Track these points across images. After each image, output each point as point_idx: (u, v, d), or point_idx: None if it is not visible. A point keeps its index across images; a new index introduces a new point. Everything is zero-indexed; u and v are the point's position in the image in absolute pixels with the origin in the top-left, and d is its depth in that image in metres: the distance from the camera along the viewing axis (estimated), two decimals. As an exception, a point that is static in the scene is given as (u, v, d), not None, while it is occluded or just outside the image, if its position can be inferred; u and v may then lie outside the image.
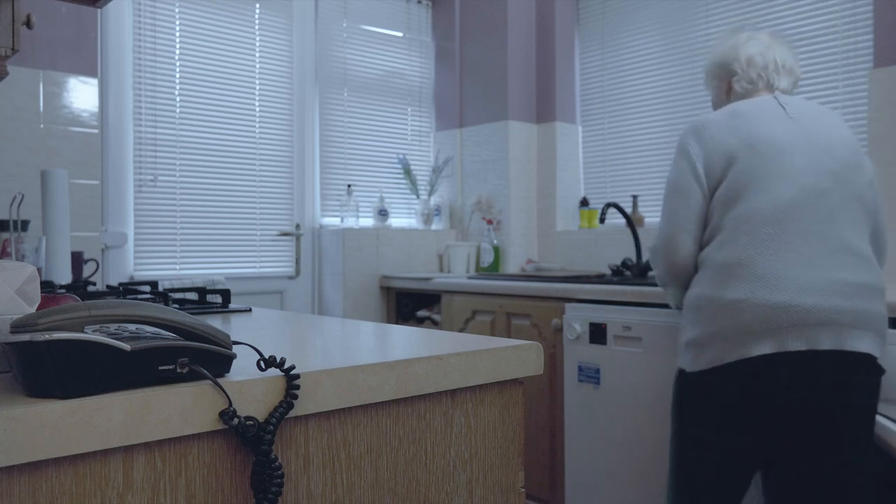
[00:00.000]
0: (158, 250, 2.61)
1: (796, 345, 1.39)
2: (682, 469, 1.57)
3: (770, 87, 1.70)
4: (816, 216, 1.45)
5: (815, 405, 1.41)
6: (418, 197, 3.35)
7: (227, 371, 0.66)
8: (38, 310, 0.67)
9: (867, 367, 1.41)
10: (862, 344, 1.40)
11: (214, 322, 1.16)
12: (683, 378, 1.56)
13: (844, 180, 1.49)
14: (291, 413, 0.66)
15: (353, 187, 3.12)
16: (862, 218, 1.50)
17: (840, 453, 1.42)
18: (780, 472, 1.48)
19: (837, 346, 1.39)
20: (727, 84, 1.77)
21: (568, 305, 2.27)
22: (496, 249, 3.18)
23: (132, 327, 0.65)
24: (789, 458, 1.45)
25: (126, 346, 0.57)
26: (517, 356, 0.88)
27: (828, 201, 1.46)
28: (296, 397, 0.66)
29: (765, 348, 1.40)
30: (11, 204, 1.56)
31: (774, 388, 1.41)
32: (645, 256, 2.84)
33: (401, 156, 3.33)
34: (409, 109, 3.40)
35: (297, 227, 2.99)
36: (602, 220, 2.64)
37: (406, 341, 0.92)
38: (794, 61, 1.73)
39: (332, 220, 3.11)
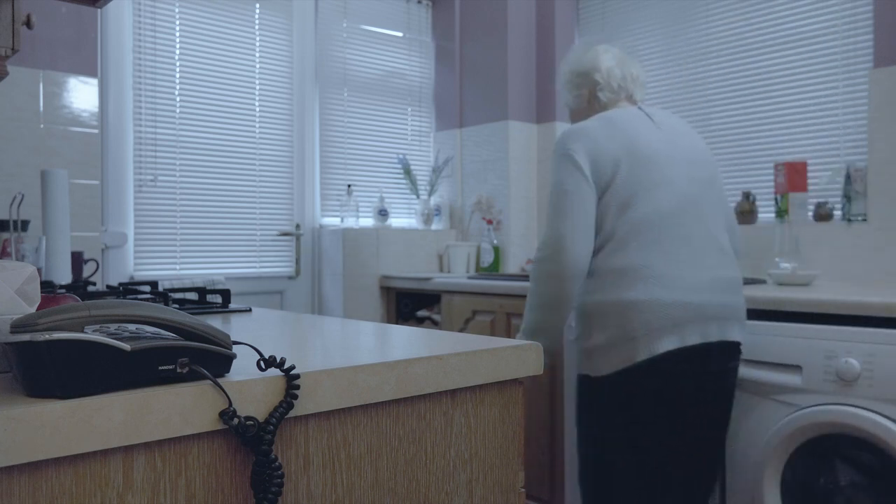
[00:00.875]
0: (158, 250, 2.61)
1: (693, 339, 1.53)
2: (600, 474, 1.61)
3: (631, 99, 1.82)
4: (693, 221, 1.60)
5: (709, 392, 1.58)
6: (418, 197, 3.35)
7: (227, 371, 0.66)
8: (38, 310, 0.67)
9: (738, 354, 1.64)
10: (735, 333, 1.61)
11: (214, 322, 1.16)
12: (590, 383, 1.62)
13: (709, 187, 1.66)
14: (291, 413, 0.66)
15: (353, 187, 3.12)
16: (722, 219, 1.69)
17: (724, 430, 1.65)
18: (681, 455, 1.59)
19: (722, 337, 1.57)
20: (588, 93, 1.84)
21: (568, 305, 2.27)
22: (496, 249, 3.18)
23: (132, 327, 0.65)
24: (691, 443, 1.58)
25: (126, 346, 0.57)
26: (517, 356, 0.88)
27: (700, 207, 1.62)
28: (296, 397, 0.66)
29: (669, 344, 1.51)
30: (11, 204, 1.56)
31: (679, 381, 1.53)
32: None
33: (401, 156, 3.33)
34: (409, 109, 3.40)
35: (297, 227, 2.99)
36: (602, 220, 2.64)
37: (406, 341, 0.92)
38: (644, 76, 1.86)
39: (332, 220, 3.11)
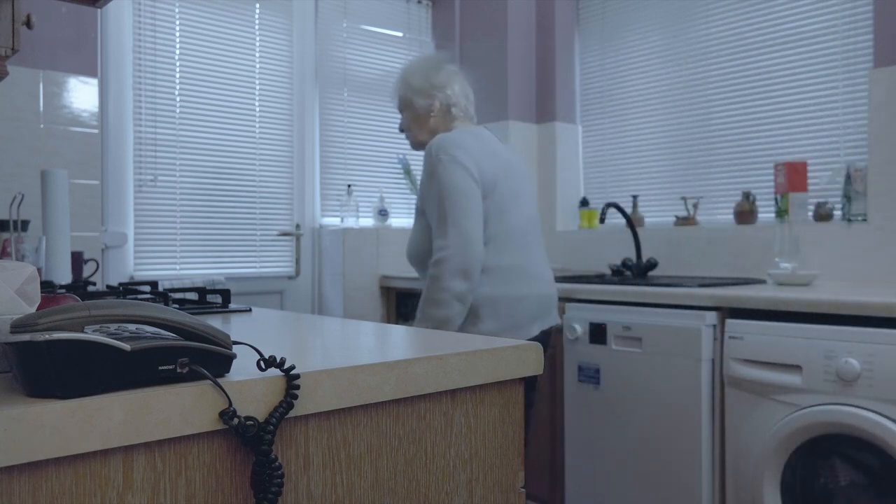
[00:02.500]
0: (158, 250, 2.61)
1: (548, 323, 1.89)
2: None
3: (471, 118, 2.02)
4: (536, 231, 1.94)
5: (547, 369, 2.14)
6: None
7: (227, 371, 0.66)
8: (38, 310, 0.67)
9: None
10: (557, 318, 1.96)
11: (214, 322, 1.16)
12: None
13: (534, 203, 1.99)
14: (291, 413, 0.66)
15: (353, 187, 3.12)
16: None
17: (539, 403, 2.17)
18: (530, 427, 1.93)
19: (555, 322, 1.94)
20: (440, 105, 1.95)
21: (568, 305, 2.27)
22: (496, 249, 3.18)
23: (132, 327, 0.65)
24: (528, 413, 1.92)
25: (126, 346, 0.57)
26: (517, 356, 0.88)
27: (536, 220, 1.95)
28: (296, 397, 0.66)
29: (537, 329, 1.85)
30: (11, 204, 1.56)
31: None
32: (645, 256, 2.84)
33: (401, 156, 3.33)
34: (409, 109, 3.40)
35: (297, 227, 2.99)
36: (602, 220, 2.64)
37: (406, 341, 0.92)
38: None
39: (332, 220, 3.11)
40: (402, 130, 2.05)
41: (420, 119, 1.98)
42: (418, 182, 3.38)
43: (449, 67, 2.00)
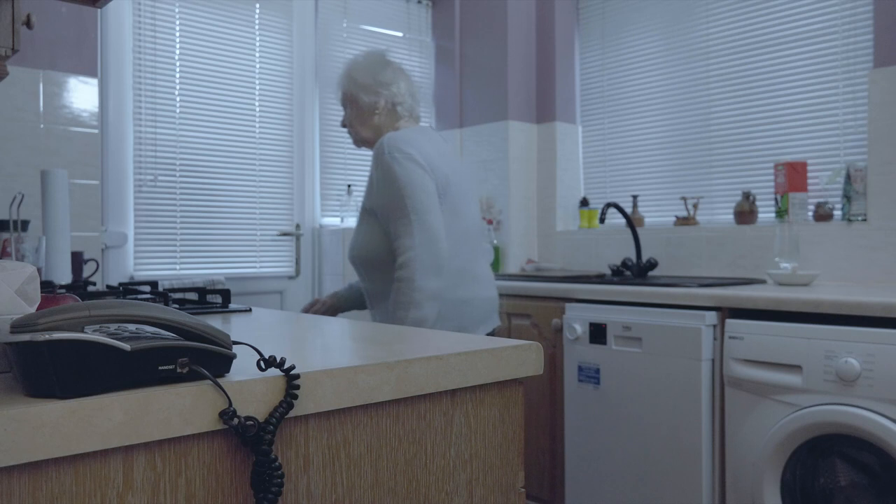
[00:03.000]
0: (158, 250, 2.61)
1: (491, 325, 1.89)
2: None
3: (416, 118, 1.99)
4: (482, 234, 1.94)
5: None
6: (418, 197, 3.34)
7: (227, 371, 0.66)
8: (38, 310, 0.67)
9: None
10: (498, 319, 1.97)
11: (214, 322, 1.16)
12: None
13: (478, 205, 1.95)
14: (291, 413, 0.66)
15: (353, 187, 3.12)
16: None
17: None
18: None
19: (498, 324, 1.94)
20: (386, 103, 1.92)
21: (568, 305, 2.27)
22: (496, 249, 3.18)
23: (132, 327, 0.65)
24: None
25: (126, 346, 0.57)
26: (517, 356, 0.88)
27: (481, 222, 1.94)
28: (296, 397, 0.66)
29: (482, 332, 1.84)
30: (11, 204, 1.56)
31: None
32: (645, 256, 2.84)
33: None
34: (409, 109, 3.40)
35: (297, 227, 2.99)
36: (602, 220, 2.64)
37: (406, 341, 0.92)
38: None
39: (332, 220, 3.11)
40: (344, 126, 2.01)
41: (364, 116, 1.94)
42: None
43: (395, 65, 1.97)
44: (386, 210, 1.76)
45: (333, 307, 2.09)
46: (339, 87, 2.00)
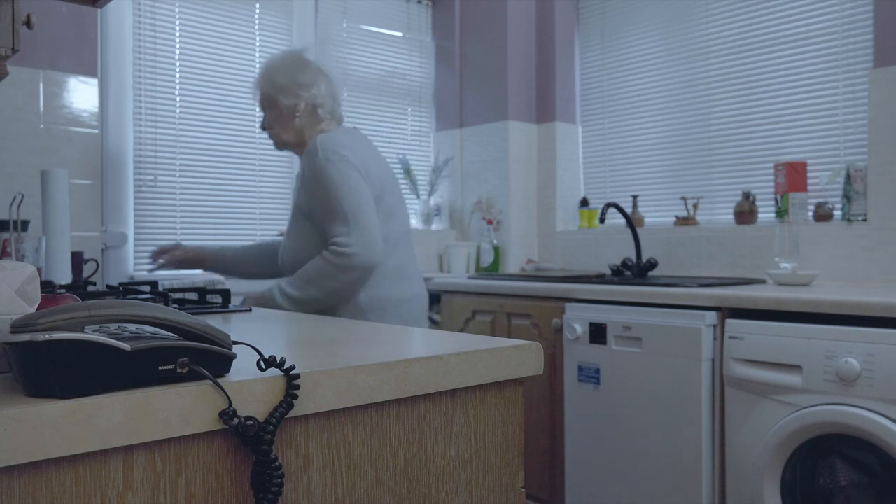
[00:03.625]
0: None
1: (424, 324, 1.93)
2: None
3: (339, 119, 1.97)
4: (412, 233, 1.96)
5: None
6: (418, 197, 3.35)
7: (227, 371, 0.66)
8: (38, 310, 0.67)
9: None
10: None
11: (214, 322, 1.16)
12: None
13: (406, 205, 1.97)
14: (291, 413, 0.66)
15: (353, 187, 3.12)
16: None
17: None
18: None
19: (426, 323, 1.96)
20: (306, 105, 1.89)
21: (568, 305, 2.27)
22: (496, 249, 3.18)
23: (132, 327, 0.65)
24: None
25: (126, 346, 0.57)
26: (517, 356, 0.88)
27: (410, 222, 1.96)
28: (296, 397, 0.66)
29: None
30: (11, 204, 1.56)
31: None
32: (645, 256, 2.84)
33: (401, 156, 3.33)
34: (409, 109, 3.40)
35: (297, 227, 2.99)
36: (602, 220, 2.64)
37: (406, 341, 0.92)
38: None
39: (332, 220, 3.11)
40: (263, 129, 1.97)
41: (284, 119, 1.91)
42: (418, 182, 3.38)
43: (314, 65, 1.94)
44: (322, 212, 1.75)
45: (196, 259, 2.03)
46: (256, 89, 1.94)
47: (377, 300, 1.80)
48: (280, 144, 1.96)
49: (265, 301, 1.79)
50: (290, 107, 1.89)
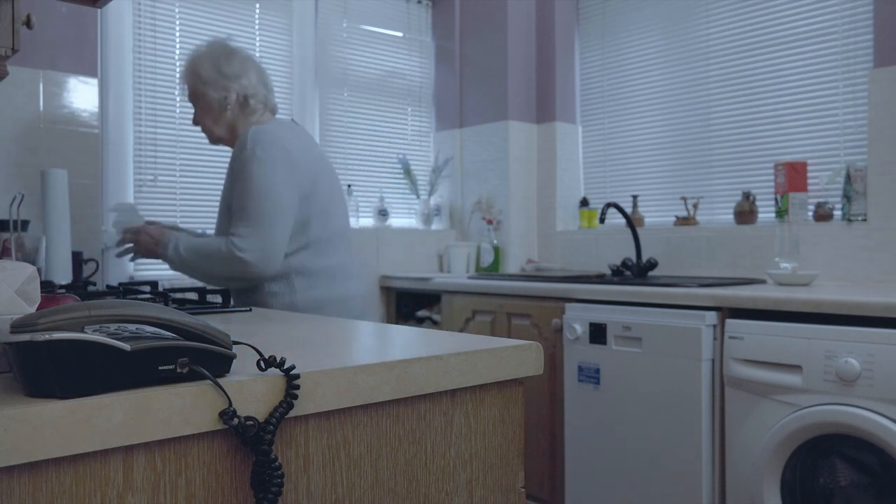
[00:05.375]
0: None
1: (371, 320, 1.86)
2: None
3: (273, 109, 1.91)
4: (350, 230, 1.92)
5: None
6: (418, 197, 3.35)
7: (228, 371, 0.66)
8: (38, 310, 0.67)
9: None
10: None
11: (214, 322, 1.16)
12: None
13: (346, 201, 1.95)
14: (291, 413, 0.66)
15: (352, 187, 3.12)
16: None
17: None
18: None
19: (376, 318, 1.93)
20: (237, 97, 1.83)
21: (568, 305, 2.27)
22: (496, 249, 3.18)
23: (132, 327, 0.65)
24: None
25: (126, 346, 0.57)
26: (517, 356, 0.88)
27: (349, 219, 1.93)
28: (296, 397, 0.66)
29: None
30: (11, 204, 1.56)
31: None
32: (645, 256, 2.84)
33: (401, 156, 3.33)
34: (409, 109, 3.40)
35: (297, 227, 2.99)
36: (602, 220, 2.64)
37: (406, 341, 0.92)
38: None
39: (332, 220, 3.11)
40: (196, 124, 1.91)
41: (214, 113, 1.85)
42: (418, 182, 3.38)
43: (241, 54, 1.86)
44: (235, 206, 1.70)
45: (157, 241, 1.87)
46: (184, 83, 1.88)
47: (314, 300, 1.76)
48: (213, 139, 1.90)
49: (162, 242, 1.74)
50: (220, 100, 1.83)
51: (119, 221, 1.82)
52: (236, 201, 1.70)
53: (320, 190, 1.77)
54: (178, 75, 2.66)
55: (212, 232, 2.24)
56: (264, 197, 1.66)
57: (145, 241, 1.75)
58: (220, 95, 1.83)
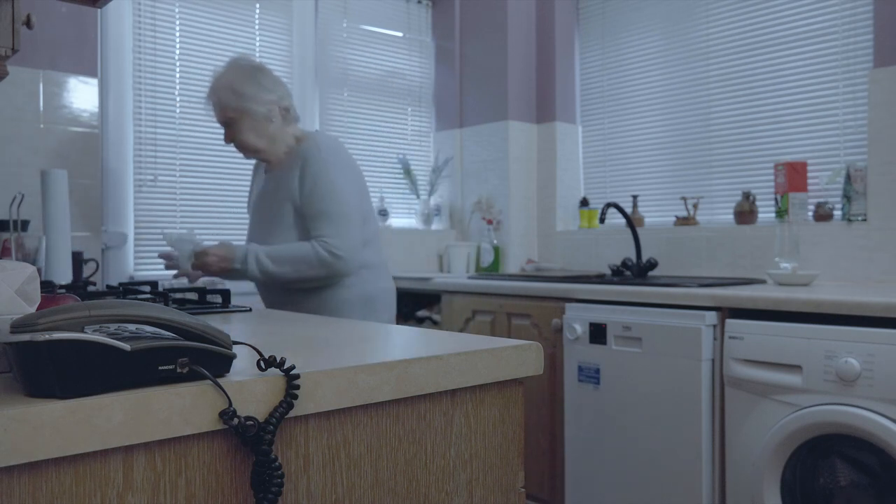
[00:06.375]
0: (158, 250, 2.61)
1: None
2: None
3: (298, 119, 2.00)
4: None
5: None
6: (418, 197, 3.34)
7: (227, 371, 0.66)
8: (38, 310, 0.67)
9: None
10: None
11: (214, 322, 1.16)
12: None
13: None
14: (291, 413, 0.66)
15: (353, 187, 3.12)
16: None
17: None
18: None
19: None
20: (279, 109, 1.89)
21: (568, 305, 2.27)
22: (496, 249, 3.18)
23: (132, 327, 0.65)
24: None
25: (126, 346, 0.57)
26: (517, 356, 0.88)
27: None
28: (296, 397, 0.66)
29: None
30: (11, 204, 1.56)
31: None
32: (645, 256, 2.84)
33: (401, 156, 3.33)
34: (409, 109, 3.40)
35: (297, 227, 2.99)
36: (602, 220, 2.64)
37: (406, 341, 0.92)
38: None
39: (332, 220, 3.11)
40: (229, 141, 1.93)
41: (259, 127, 1.88)
42: (418, 182, 3.38)
43: (268, 69, 1.93)
44: (314, 210, 1.82)
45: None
46: (216, 104, 1.89)
47: (367, 294, 1.91)
48: (250, 153, 1.94)
49: (230, 258, 1.80)
50: (265, 113, 1.87)
51: (183, 250, 1.85)
52: (315, 205, 1.82)
53: (366, 196, 1.94)
54: (177, 75, 2.66)
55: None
56: (343, 200, 1.82)
57: (213, 262, 1.81)
58: (265, 109, 1.88)
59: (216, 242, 1.89)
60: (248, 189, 2.85)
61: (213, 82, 1.91)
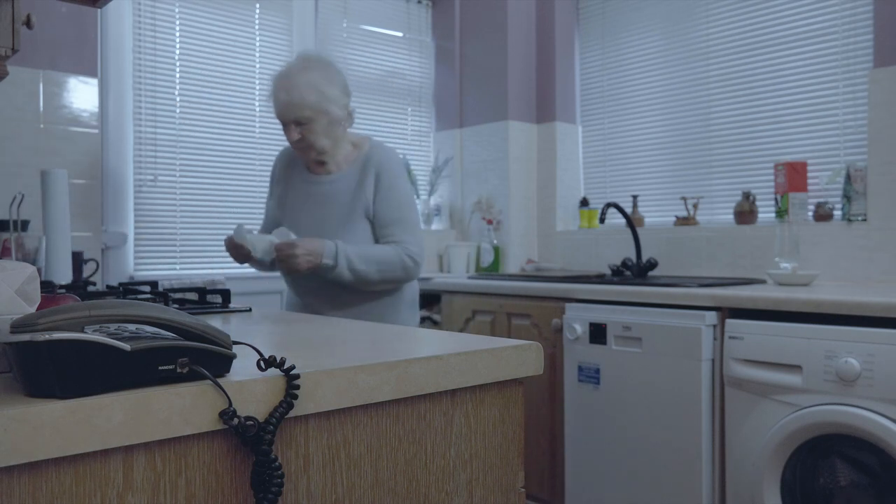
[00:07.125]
0: (158, 250, 2.61)
1: None
2: None
3: None
4: None
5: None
6: (418, 197, 3.34)
7: (227, 371, 0.66)
8: (38, 310, 0.67)
9: None
10: None
11: (214, 322, 1.16)
12: None
13: None
14: (291, 413, 0.66)
15: (353, 187, 3.12)
16: None
17: None
18: None
19: None
20: (348, 113, 1.90)
21: (568, 305, 2.27)
22: (496, 249, 3.18)
23: (132, 327, 0.65)
24: None
25: (126, 346, 0.57)
26: (517, 356, 0.88)
27: None
28: (296, 397, 0.66)
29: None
30: (11, 204, 1.56)
31: None
32: (645, 256, 2.84)
33: (401, 156, 3.33)
34: (409, 109, 3.40)
35: (297, 227, 2.99)
36: (602, 220, 2.64)
37: (406, 341, 0.92)
38: None
39: (332, 220, 3.11)
40: (300, 140, 1.84)
41: (332, 129, 1.84)
42: (418, 182, 3.38)
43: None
44: (390, 217, 1.87)
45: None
46: (297, 103, 1.78)
47: (412, 296, 2.02)
48: (313, 153, 1.87)
49: (320, 252, 1.77)
50: (342, 116, 1.86)
51: (257, 246, 1.82)
52: (394, 212, 1.87)
53: None
54: (177, 75, 2.66)
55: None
56: (414, 208, 1.93)
57: (301, 255, 1.76)
58: (343, 113, 1.86)
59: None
60: (253, 189, 2.85)
61: (289, 78, 1.80)
